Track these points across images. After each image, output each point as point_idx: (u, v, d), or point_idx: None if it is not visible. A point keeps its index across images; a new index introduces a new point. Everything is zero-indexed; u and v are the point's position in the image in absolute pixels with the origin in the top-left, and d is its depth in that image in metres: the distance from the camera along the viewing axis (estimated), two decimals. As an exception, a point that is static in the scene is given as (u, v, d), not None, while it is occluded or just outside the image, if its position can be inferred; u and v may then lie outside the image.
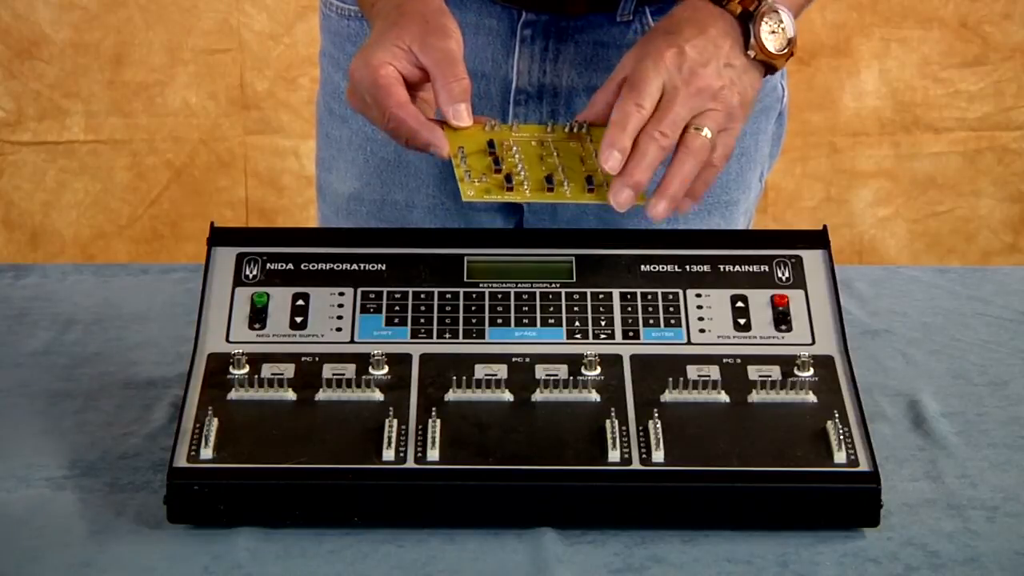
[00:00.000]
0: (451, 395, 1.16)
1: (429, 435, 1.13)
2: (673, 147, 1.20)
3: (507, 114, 1.46)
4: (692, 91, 1.20)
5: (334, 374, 1.18)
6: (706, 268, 1.26)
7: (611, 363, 1.19)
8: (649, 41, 1.23)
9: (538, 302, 1.23)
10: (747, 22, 1.24)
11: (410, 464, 1.11)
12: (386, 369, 1.18)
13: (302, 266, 1.26)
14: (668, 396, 1.16)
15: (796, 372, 1.18)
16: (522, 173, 1.21)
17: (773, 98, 1.54)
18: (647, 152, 1.18)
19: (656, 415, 1.15)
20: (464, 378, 1.17)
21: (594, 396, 1.17)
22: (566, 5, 1.43)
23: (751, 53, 1.24)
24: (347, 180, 1.54)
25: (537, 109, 1.46)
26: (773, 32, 1.24)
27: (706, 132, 1.20)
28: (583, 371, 1.19)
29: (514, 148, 1.23)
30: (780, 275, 1.26)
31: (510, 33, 1.44)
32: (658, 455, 1.12)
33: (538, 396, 1.17)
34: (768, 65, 1.26)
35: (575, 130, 1.25)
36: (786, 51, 1.26)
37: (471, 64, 1.41)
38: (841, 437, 1.13)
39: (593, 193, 1.21)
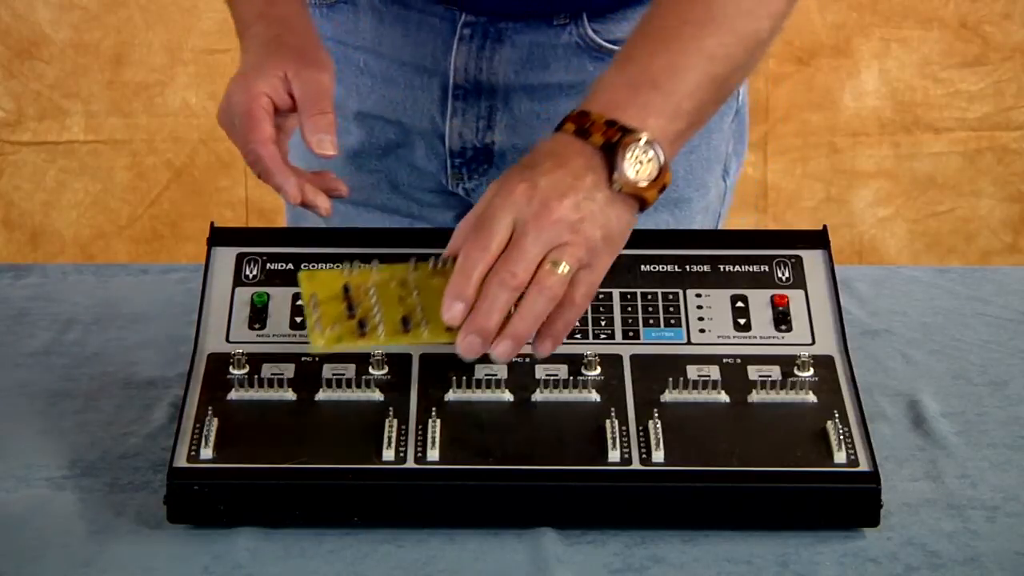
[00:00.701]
0: (451, 395, 1.16)
1: (429, 435, 1.13)
2: (525, 286, 1.11)
3: (447, 108, 1.48)
4: (544, 224, 1.11)
5: (334, 374, 1.18)
6: (706, 268, 1.26)
7: (611, 363, 1.19)
8: (506, 177, 1.15)
9: (538, 302, 1.23)
10: (610, 154, 1.15)
11: (410, 464, 1.11)
12: (386, 369, 1.18)
13: (302, 266, 1.26)
14: (668, 396, 1.16)
15: (796, 372, 1.18)
16: (377, 316, 1.15)
17: None
18: (495, 296, 1.10)
19: (656, 415, 1.15)
20: (464, 378, 1.17)
21: (594, 396, 1.17)
22: (504, 10, 1.44)
23: (616, 186, 1.14)
24: (296, 162, 1.58)
25: (475, 104, 1.48)
26: (640, 163, 1.15)
27: (563, 268, 1.11)
28: (583, 371, 1.19)
29: (372, 291, 1.17)
30: (780, 275, 1.26)
31: (451, 31, 1.46)
32: (658, 455, 1.12)
33: (538, 396, 1.17)
34: (638, 199, 1.16)
35: (439, 266, 1.18)
36: (656, 182, 1.16)
37: (413, 59, 1.47)
38: (841, 437, 1.13)
39: (454, 332, 1.12)
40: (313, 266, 1.25)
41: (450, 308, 1.11)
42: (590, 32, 1.45)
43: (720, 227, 1.60)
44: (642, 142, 1.15)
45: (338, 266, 1.19)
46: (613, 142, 1.14)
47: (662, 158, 1.15)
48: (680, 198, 1.51)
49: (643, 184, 1.15)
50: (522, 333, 1.12)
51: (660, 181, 1.16)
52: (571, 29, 1.45)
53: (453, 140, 1.49)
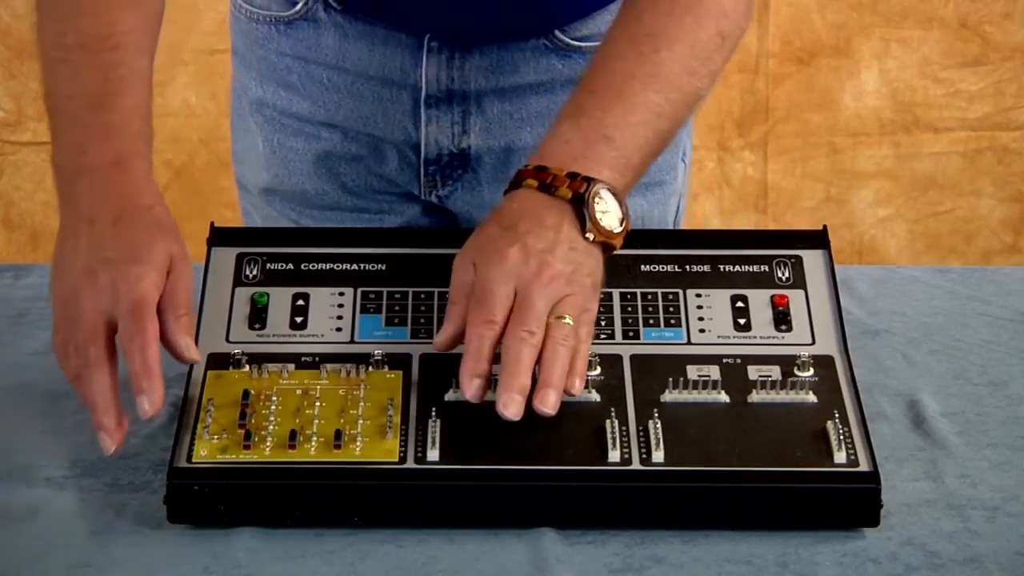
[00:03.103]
0: (451, 395, 1.16)
1: (429, 435, 1.13)
2: (542, 340, 1.13)
3: (419, 118, 1.48)
4: (545, 280, 1.15)
5: (334, 374, 1.18)
6: (706, 268, 1.26)
7: (611, 363, 1.19)
8: (487, 240, 1.17)
9: (538, 302, 1.23)
10: (580, 205, 1.18)
11: (410, 464, 1.11)
12: (386, 369, 1.18)
13: (302, 266, 1.26)
14: (668, 396, 1.16)
15: (796, 372, 1.18)
16: (269, 427, 1.13)
17: None
18: (519, 355, 1.12)
19: (656, 415, 1.15)
20: (464, 378, 1.17)
21: (594, 396, 1.17)
22: (470, 34, 1.45)
23: (589, 236, 1.18)
24: (258, 172, 1.58)
25: (448, 111, 1.48)
26: (606, 212, 1.18)
27: (568, 320, 1.14)
28: (583, 371, 1.19)
29: (273, 398, 1.15)
30: (780, 275, 1.26)
31: (417, 44, 1.46)
32: (658, 455, 1.12)
33: (538, 396, 1.17)
34: (606, 245, 1.19)
35: (347, 375, 1.17)
36: (622, 229, 1.19)
37: (380, 72, 1.48)
38: (841, 437, 1.13)
39: (340, 450, 1.11)
40: (315, 266, 1.25)
41: (470, 386, 1.12)
42: (556, 33, 1.46)
43: (683, 208, 1.61)
44: (606, 191, 1.18)
45: (248, 368, 1.18)
46: (581, 193, 1.18)
47: (619, 208, 1.19)
48: (652, 182, 1.52)
49: (614, 231, 1.19)
50: (559, 383, 1.12)
51: (626, 228, 1.20)
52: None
53: (429, 148, 1.49)
